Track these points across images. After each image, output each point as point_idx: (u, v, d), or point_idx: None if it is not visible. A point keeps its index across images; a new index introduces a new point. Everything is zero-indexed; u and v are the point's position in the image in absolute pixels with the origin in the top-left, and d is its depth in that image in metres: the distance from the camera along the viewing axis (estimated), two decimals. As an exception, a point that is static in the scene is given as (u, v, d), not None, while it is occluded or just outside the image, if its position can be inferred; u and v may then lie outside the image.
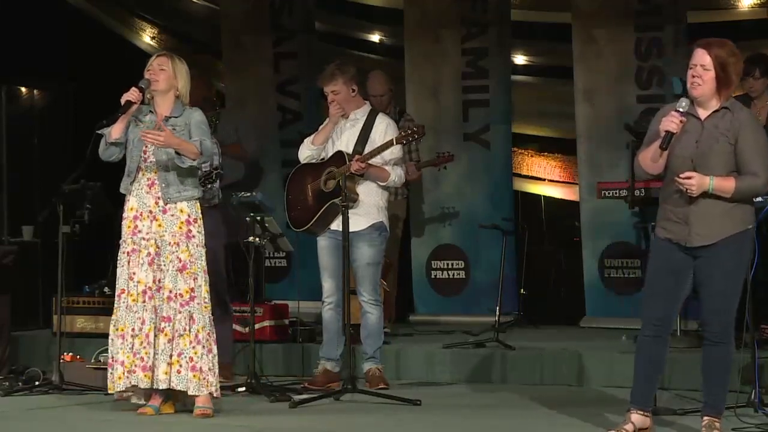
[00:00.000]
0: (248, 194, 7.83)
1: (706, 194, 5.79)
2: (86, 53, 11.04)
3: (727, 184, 5.79)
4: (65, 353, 8.02)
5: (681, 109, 5.82)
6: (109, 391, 6.91)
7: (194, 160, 6.81)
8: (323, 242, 7.82)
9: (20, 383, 7.99)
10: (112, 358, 6.86)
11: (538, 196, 12.21)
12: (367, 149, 7.67)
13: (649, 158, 5.92)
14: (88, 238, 9.00)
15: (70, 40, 11.01)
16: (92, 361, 8.12)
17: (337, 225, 7.65)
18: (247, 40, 10.92)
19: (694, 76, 5.85)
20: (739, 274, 5.89)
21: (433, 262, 10.35)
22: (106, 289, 9.22)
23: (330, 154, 7.79)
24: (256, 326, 8.06)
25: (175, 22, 12.10)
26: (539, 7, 10.97)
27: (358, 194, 7.63)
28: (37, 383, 7.91)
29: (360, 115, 7.86)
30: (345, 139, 7.80)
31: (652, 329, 6.00)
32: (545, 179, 12.19)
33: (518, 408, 7.12)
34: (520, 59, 11.49)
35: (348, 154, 7.66)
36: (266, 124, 10.74)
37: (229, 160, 9.18)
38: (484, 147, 10.21)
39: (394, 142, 7.62)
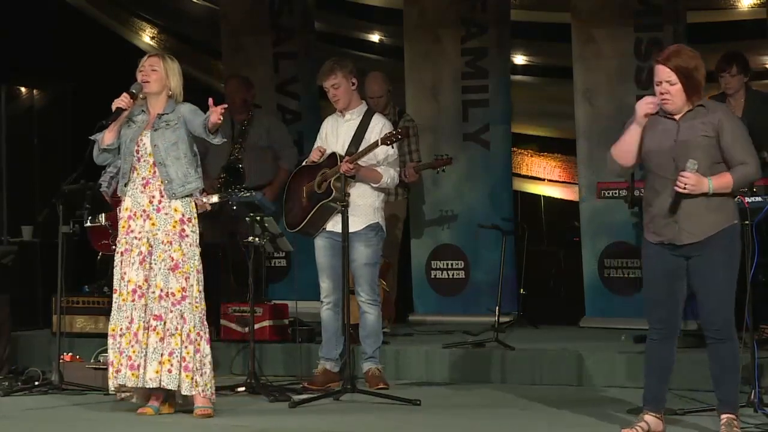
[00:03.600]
0: (248, 194, 7.84)
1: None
2: (86, 53, 11.04)
3: (724, 180, 5.88)
4: (65, 353, 8.01)
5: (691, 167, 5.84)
6: (109, 391, 6.94)
7: (214, 135, 6.76)
8: (320, 243, 7.82)
9: (20, 383, 7.99)
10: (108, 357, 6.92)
11: (538, 196, 12.24)
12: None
13: (623, 147, 5.98)
14: (88, 238, 8.99)
15: (70, 40, 11.01)
16: (92, 361, 8.11)
17: (332, 226, 7.67)
18: (246, 40, 10.91)
19: (662, 93, 5.95)
20: (733, 269, 5.93)
21: (432, 262, 10.34)
22: (105, 289, 9.23)
23: (327, 155, 7.79)
24: (256, 326, 8.06)
25: (174, 22, 12.10)
26: (539, 7, 10.97)
27: (349, 195, 7.61)
28: (36, 383, 7.91)
29: (356, 115, 7.86)
30: (341, 140, 7.81)
31: (657, 332, 6.05)
32: (545, 179, 12.22)
33: (518, 408, 7.12)
34: (519, 59, 11.50)
35: (341, 155, 7.67)
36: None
37: (261, 164, 9.20)
38: (484, 147, 10.20)
39: (378, 143, 7.62)
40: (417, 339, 9.12)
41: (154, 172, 6.87)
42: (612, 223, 9.62)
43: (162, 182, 6.84)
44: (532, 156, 12.29)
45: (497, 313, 8.79)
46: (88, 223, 8.58)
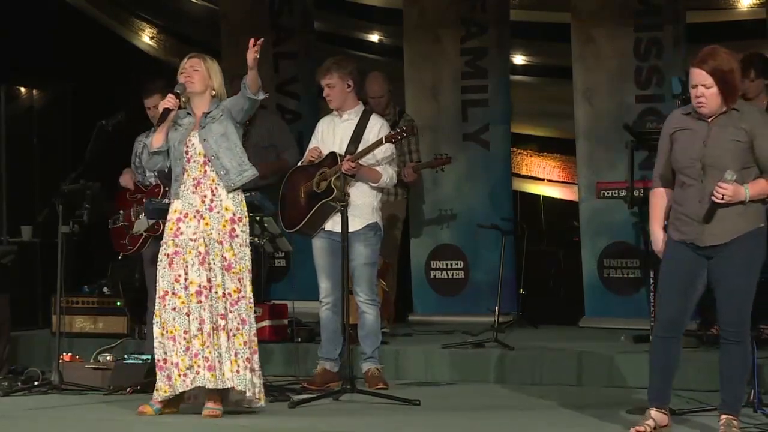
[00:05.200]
0: (247, 194, 7.82)
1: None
2: (85, 53, 11.04)
3: (760, 187, 5.84)
4: (64, 353, 8.02)
5: (729, 178, 5.79)
6: (159, 393, 6.78)
7: (255, 93, 6.79)
8: (318, 243, 7.82)
9: (19, 383, 7.98)
10: (164, 360, 6.75)
11: (538, 196, 12.23)
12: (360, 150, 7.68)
13: (660, 212, 6.04)
14: (88, 238, 8.99)
15: (70, 40, 11.01)
16: (91, 361, 8.11)
17: (331, 226, 7.67)
18: (246, 40, 10.85)
19: (697, 97, 5.86)
20: (754, 272, 5.89)
21: (432, 262, 10.34)
22: (105, 289, 9.23)
23: (325, 155, 7.79)
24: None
25: (174, 22, 12.10)
26: (539, 7, 10.98)
27: (349, 194, 7.62)
28: (36, 383, 7.90)
29: (353, 115, 7.86)
30: (338, 140, 7.81)
31: (665, 330, 6.02)
32: (544, 179, 12.21)
33: (518, 408, 7.12)
34: (519, 59, 11.50)
35: (340, 155, 7.67)
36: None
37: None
38: (484, 147, 10.20)
39: (384, 141, 7.62)
40: (417, 339, 9.12)
41: (205, 172, 6.84)
42: (611, 223, 9.62)
43: (217, 176, 6.82)
44: (531, 156, 12.29)
45: (497, 313, 8.79)
46: (111, 225, 8.54)
